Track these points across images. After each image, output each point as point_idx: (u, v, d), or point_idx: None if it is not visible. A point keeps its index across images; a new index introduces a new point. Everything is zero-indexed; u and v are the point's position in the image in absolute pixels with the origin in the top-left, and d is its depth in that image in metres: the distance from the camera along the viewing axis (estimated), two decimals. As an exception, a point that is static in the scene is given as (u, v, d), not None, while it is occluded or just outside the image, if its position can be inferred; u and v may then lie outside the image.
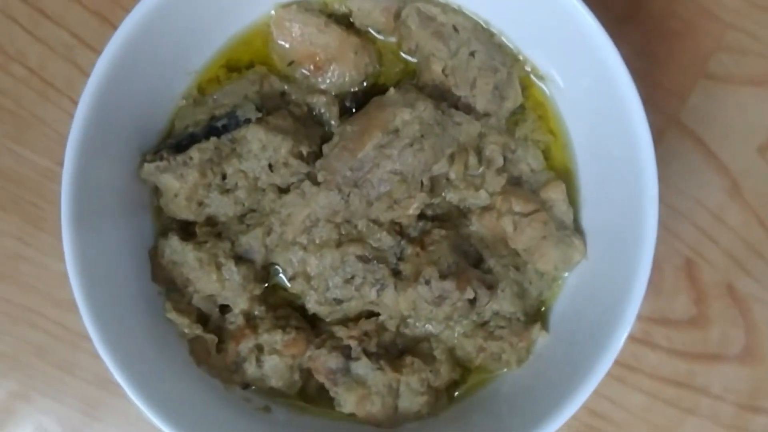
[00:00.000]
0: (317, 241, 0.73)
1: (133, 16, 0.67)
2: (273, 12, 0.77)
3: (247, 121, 0.73)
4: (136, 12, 0.67)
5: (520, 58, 0.77)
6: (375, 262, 0.72)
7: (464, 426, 0.74)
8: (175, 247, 0.72)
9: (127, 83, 0.69)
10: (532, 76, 0.77)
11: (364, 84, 0.78)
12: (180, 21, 0.71)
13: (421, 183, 0.72)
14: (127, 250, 0.72)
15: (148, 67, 0.71)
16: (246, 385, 0.75)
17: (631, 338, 0.68)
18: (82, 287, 0.66)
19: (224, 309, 0.74)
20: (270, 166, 0.73)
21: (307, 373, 0.74)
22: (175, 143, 0.74)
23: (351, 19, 0.77)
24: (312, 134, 0.75)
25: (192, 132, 0.74)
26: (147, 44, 0.69)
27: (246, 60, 0.78)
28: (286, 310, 0.75)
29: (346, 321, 0.75)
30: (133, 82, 0.70)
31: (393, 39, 0.78)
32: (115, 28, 0.68)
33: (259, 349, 0.73)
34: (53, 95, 0.85)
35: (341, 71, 0.76)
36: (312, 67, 0.76)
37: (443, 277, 0.70)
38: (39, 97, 0.85)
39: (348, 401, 0.72)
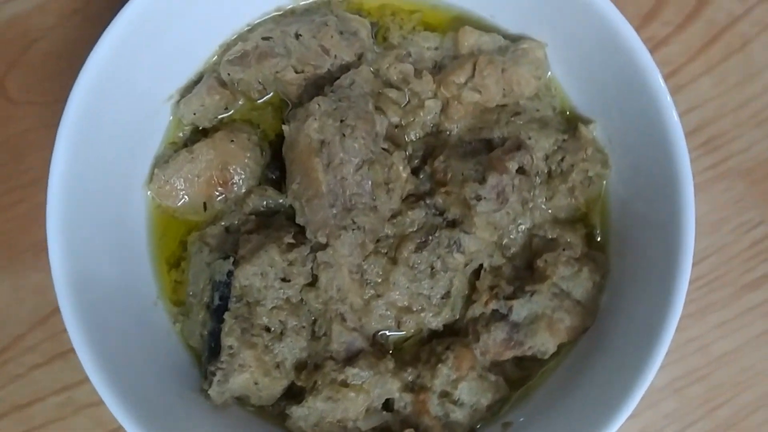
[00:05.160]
0: (379, 280, 0.68)
1: (68, 306, 0.63)
2: (149, 193, 0.73)
3: (230, 274, 0.68)
4: (67, 304, 0.63)
5: (326, -7, 0.74)
6: (430, 237, 0.67)
7: (631, 252, 0.68)
8: (303, 414, 0.67)
9: (124, 361, 0.65)
10: (351, -1, 0.74)
11: (265, 152, 0.74)
12: (105, 275, 0.68)
13: (385, 150, 0.67)
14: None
15: (125, 333, 0.67)
16: (472, 430, 0.68)
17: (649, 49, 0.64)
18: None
19: (387, 405, 0.68)
20: (283, 279, 0.68)
21: (496, 366, 0.68)
22: (207, 354, 0.69)
23: (200, 127, 0.74)
24: (280, 225, 0.70)
25: (208, 331, 0.69)
26: (102, 316, 0.65)
27: (177, 246, 0.74)
28: (425, 349, 0.69)
29: (469, 300, 0.69)
30: (124, 354, 0.65)
31: (241, 102, 0.74)
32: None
33: (445, 394, 0.67)
34: None
35: (240, 164, 0.72)
36: (219, 188, 0.72)
37: (482, 181, 0.65)
38: None
39: (545, 342, 0.66)
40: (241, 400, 0.69)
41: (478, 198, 0.65)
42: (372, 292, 0.68)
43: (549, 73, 0.72)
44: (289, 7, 0.74)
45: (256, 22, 0.73)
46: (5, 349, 0.80)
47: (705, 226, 0.79)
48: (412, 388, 0.68)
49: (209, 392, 0.67)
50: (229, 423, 0.69)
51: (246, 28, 0.73)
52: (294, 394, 0.69)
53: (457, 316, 0.69)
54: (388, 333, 0.70)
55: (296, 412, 0.67)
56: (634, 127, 0.66)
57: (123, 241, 0.71)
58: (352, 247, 0.66)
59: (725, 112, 0.80)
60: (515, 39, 0.72)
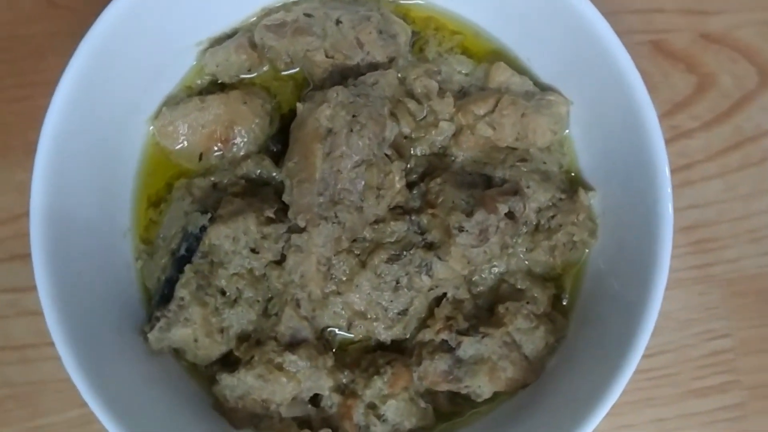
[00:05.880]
0: (344, 278, 0.68)
1: (38, 211, 0.64)
2: (151, 128, 0.73)
3: (203, 229, 0.68)
4: (38, 208, 0.64)
5: (379, -6, 0.74)
6: (404, 253, 0.68)
7: (593, 326, 0.68)
8: (231, 384, 0.67)
9: (74, 278, 0.65)
10: (401, 2, 0.74)
11: (274, 122, 0.74)
12: (83, 196, 0.68)
13: (387, 156, 0.68)
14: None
15: (84, 254, 0.67)
16: (387, 450, 0.69)
17: (666, 141, 0.64)
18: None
19: (315, 400, 0.69)
20: (252, 249, 0.68)
21: (429, 394, 0.69)
22: (159, 298, 0.69)
23: (219, 80, 0.74)
24: (266, 196, 0.70)
25: (166, 277, 0.69)
26: (69, 233, 0.66)
27: (163, 186, 0.74)
28: (368, 357, 0.69)
29: (423, 323, 0.69)
30: (78, 272, 0.65)
31: (265, 68, 0.75)
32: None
33: (372, 407, 0.67)
34: (32, 353, 0.80)
35: (246, 127, 0.72)
36: (219, 144, 0.72)
37: (469, 214, 0.66)
38: (22, 364, 0.80)
39: (482, 386, 0.66)
40: (177, 353, 0.70)
41: (461, 229, 0.65)
42: (333, 287, 0.68)
43: (566, 131, 0.72)
44: (341, -10, 0.74)
45: (304, -4, 0.73)
46: (-33, 233, 0.81)
47: (672, 321, 0.79)
48: (343, 390, 0.68)
49: (149, 335, 0.67)
50: (158, 371, 0.69)
51: (292, 0, 0.73)
52: (229, 363, 0.69)
53: (407, 336, 0.69)
54: (336, 331, 0.70)
55: (225, 380, 0.67)
56: (630, 208, 0.66)
57: (112, 166, 0.71)
58: (328, 239, 0.66)
59: (725, 219, 0.80)
60: (544, 88, 0.72)
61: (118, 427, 0.62)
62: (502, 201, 0.66)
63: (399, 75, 0.70)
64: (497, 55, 0.74)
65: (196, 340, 0.67)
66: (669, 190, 0.62)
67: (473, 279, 0.69)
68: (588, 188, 0.70)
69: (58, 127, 0.64)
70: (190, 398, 0.70)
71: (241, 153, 0.73)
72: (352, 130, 0.66)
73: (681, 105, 0.81)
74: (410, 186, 0.69)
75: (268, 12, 0.73)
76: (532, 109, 0.69)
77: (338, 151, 0.66)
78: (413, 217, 0.68)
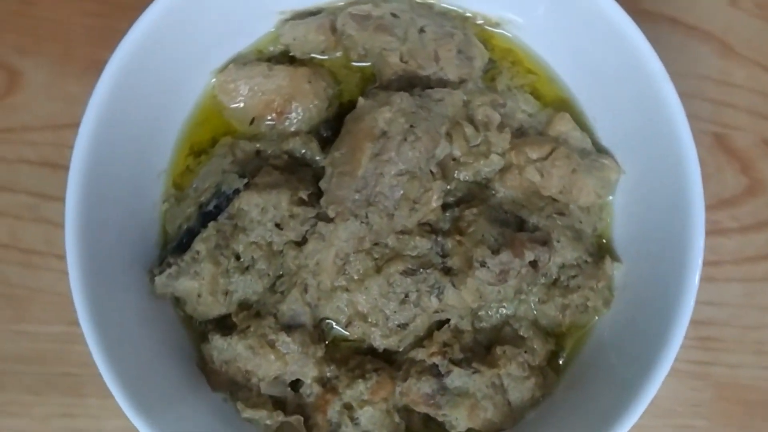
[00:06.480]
0: (356, 277, 0.68)
1: (87, 129, 0.64)
2: (213, 81, 0.74)
3: (236, 191, 0.69)
4: (87, 126, 0.64)
5: (468, 15, 0.74)
6: (421, 270, 0.68)
7: (582, 392, 0.69)
8: (220, 346, 0.68)
9: (103, 200, 0.66)
10: (487, 27, 0.75)
11: (331, 108, 0.74)
12: (132, 126, 0.68)
13: (431, 172, 0.68)
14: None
15: (118, 181, 0.68)
16: (349, 454, 0.69)
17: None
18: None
19: (295, 385, 0.69)
20: (277, 225, 0.69)
21: (406, 411, 0.69)
22: (176, 245, 0.70)
23: (291, 53, 0.74)
24: (304, 177, 0.71)
25: (188, 227, 0.70)
26: (109, 158, 0.66)
27: (208, 139, 0.74)
28: (357, 359, 0.70)
29: (420, 342, 0.70)
30: (107, 196, 0.66)
31: (339, 54, 0.75)
32: (67, 170, 0.64)
33: (348, 407, 0.68)
34: (37, 260, 0.81)
35: (304, 106, 0.73)
36: (274, 114, 0.73)
37: (495, 252, 0.66)
38: (24, 268, 0.81)
39: (459, 418, 0.67)
40: (178, 302, 0.70)
41: (483, 264, 0.66)
42: (343, 283, 0.68)
43: (610, 197, 0.72)
44: (432, 0, 0.74)
45: (395, -6, 0.74)
46: (8, 130, 0.81)
47: (655, 407, 0.76)
48: (324, 383, 0.68)
49: (156, 278, 0.68)
50: (155, 313, 0.70)
51: (384, -5, 0.74)
52: (224, 326, 0.70)
53: (400, 349, 0.70)
54: (334, 325, 0.70)
55: (216, 341, 0.68)
56: (651, 290, 0.66)
57: (166, 105, 0.72)
58: (352, 235, 0.67)
59: (736, 324, 0.80)
60: (600, 150, 0.72)
61: (101, 353, 0.62)
62: (530, 248, 0.66)
63: (465, 98, 0.71)
64: (564, 105, 0.74)
65: (199, 295, 0.68)
66: (696, 280, 0.62)
67: (479, 313, 0.70)
68: (615, 258, 0.70)
69: (128, 55, 0.65)
70: (177, 348, 0.70)
71: (292, 129, 0.73)
72: (405, 139, 0.66)
73: (726, 202, 0.81)
74: (444, 208, 0.70)
75: (356, 1, 0.74)
76: (584, 168, 0.70)
77: (386, 156, 0.66)
78: (439, 239, 0.69)
